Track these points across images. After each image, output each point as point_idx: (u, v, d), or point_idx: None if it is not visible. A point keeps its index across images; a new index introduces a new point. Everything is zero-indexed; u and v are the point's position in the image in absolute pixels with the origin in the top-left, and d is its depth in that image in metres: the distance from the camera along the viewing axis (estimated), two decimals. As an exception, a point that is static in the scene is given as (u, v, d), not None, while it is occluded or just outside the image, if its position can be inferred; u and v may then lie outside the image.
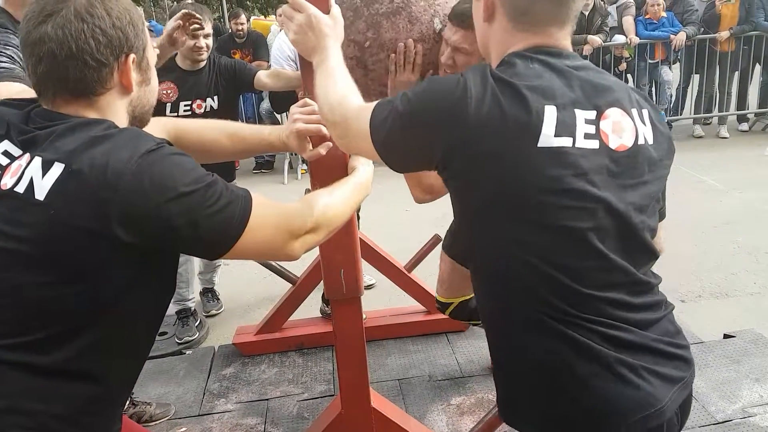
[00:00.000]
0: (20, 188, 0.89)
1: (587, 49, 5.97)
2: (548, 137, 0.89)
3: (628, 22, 6.27)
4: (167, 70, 2.78)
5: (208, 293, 3.35)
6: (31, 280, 0.88)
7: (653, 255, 1.02)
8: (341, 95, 1.11)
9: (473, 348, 2.80)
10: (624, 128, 0.95)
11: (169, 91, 2.72)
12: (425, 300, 2.89)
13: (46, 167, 0.88)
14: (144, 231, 0.88)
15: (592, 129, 0.92)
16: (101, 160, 0.86)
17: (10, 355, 0.90)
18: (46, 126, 0.93)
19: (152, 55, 1.05)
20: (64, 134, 0.91)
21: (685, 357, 1.01)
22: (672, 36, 6.19)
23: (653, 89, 6.58)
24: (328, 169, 1.33)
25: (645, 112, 1.00)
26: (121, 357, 1.00)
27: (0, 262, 0.89)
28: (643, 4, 6.34)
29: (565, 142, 0.90)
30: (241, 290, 3.60)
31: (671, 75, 6.52)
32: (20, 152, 0.93)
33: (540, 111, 0.89)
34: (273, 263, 2.89)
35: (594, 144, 0.92)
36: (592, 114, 0.93)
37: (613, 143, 0.94)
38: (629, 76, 6.46)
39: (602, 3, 6.26)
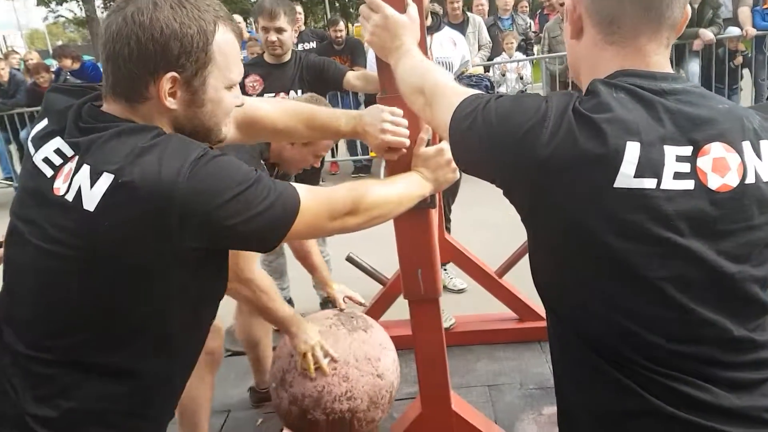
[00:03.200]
0: (69, 197, 0.90)
1: (698, 44, 5.51)
2: (627, 177, 0.80)
3: (744, 13, 5.74)
4: (255, 64, 2.94)
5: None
6: (91, 286, 0.92)
7: (764, 308, 0.88)
8: (433, 69, 1.11)
9: (568, 357, 2.68)
10: (728, 166, 0.83)
11: (255, 84, 2.87)
12: (516, 306, 2.80)
13: (94, 177, 0.88)
14: (200, 235, 0.90)
15: (685, 167, 0.82)
16: (152, 170, 0.87)
17: (76, 355, 0.95)
18: (95, 128, 0.93)
19: (222, 77, 0.98)
20: (111, 141, 0.91)
21: None
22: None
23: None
24: (405, 166, 1.34)
25: (766, 144, 0.87)
26: (178, 353, 1.05)
27: (57, 267, 0.93)
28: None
29: (648, 183, 0.80)
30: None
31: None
32: (72, 153, 0.94)
33: (620, 148, 0.80)
34: (365, 265, 2.94)
35: (687, 184, 0.81)
36: (686, 150, 0.82)
37: (713, 183, 0.82)
38: (746, 71, 5.89)
39: None
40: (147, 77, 0.93)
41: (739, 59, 5.89)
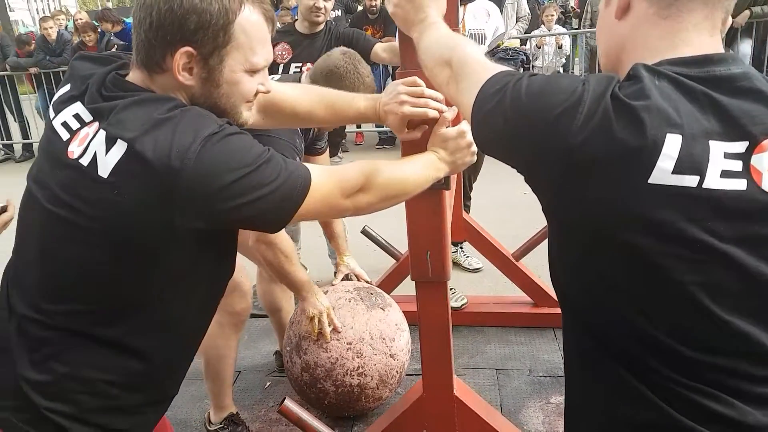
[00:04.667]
0: (84, 161, 0.91)
1: (740, 20, 5.19)
2: (664, 173, 0.72)
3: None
4: (285, 33, 2.91)
5: None
6: (93, 255, 0.92)
7: None
8: (462, 42, 1.04)
9: (581, 347, 2.63)
10: None
11: (283, 53, 2.83)
12: (531, 291, 2.75)
13: (109, 143, 0.89)
14: (208, 214, 0.89)
15: (736, 165, 0.74)
16: (164, 144, 0.86)
17: (73, 323, 0.95)
18: (116, 96, 0.94)
19: (243, 59, 0.96)
20: (128, 108, 0.91)
21: None
22: None
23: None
24: (420, 147, 1.28)
25: None
26: (180, 330, 1.04)
27: (63, 232, 0.93)
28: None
29: (688, 181, 0.73)
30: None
31: None
32: (90, 118, 0.95)
33: (659, 140, 0.72)
34: (380, 239, 2.91)
35: (737, 184, 0.73)
36: (738, 146, 0.74)
37: None
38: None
39: None
40: (164, 48, 0.93)
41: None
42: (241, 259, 2.09)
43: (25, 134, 7.88)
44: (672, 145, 0.72)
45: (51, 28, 7.23)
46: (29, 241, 0.99)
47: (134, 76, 0.98)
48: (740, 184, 0.74)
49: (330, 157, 3.12)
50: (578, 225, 0.80)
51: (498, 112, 0.84)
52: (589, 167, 0.75)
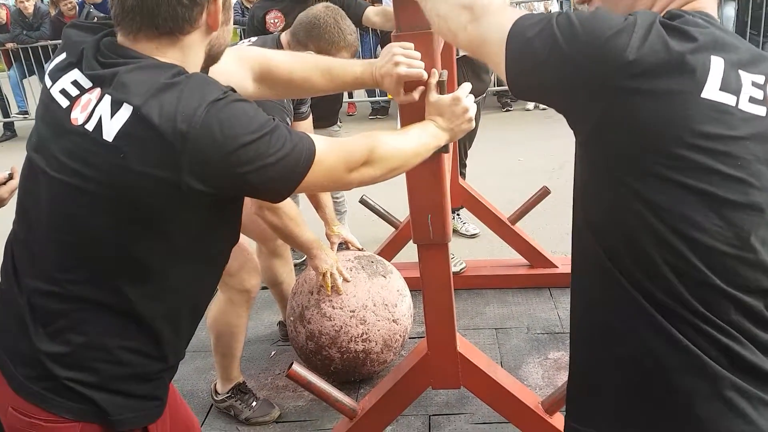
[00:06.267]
0: (90, 126, 0.90)
1: None
2: (713, 89, 0.77)
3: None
4: (275, 0, 2.85)
5: None
6: (102, 220, 0.92)
7: None
8: None
9: (577, 304, 2.71)
10: None
11: (276, 20, 2.82)
12: (528, 253, 2.81)
13: (114, 107, 0.89)
14: (213, 179, 0.90)
15: (759, 93, 0.80)
16: (170, 108, 0.87)
17: (86, 291, 0.96)
18: (116, 63, 0.93)
19: None
20: (133, 73, 0.91)
21: None
22: None
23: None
24: (420, 113, 1.31)
25: None
26: (190, 294, 1.06)
27: (71, 199, 0.93)
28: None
29: (729, 99, 0.78)
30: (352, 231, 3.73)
31: None
32: (90, 85, 0.94)
33: (707, 60, 0.78)
34: (378, 208, 2.96)
35: (760, 110, 0.80)
36: (760, 78, 0.81)
37: None
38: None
39: None
40: (204, 2, 0.95)
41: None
42: (247, 238, 2.13)
43: (5, 113, 7.60)
44: (717, 65, 0.78)
45: (27, 1, 6.94)
46: (35, 211, 0.98)
47: (136, 46, 0.96)
48: (761, 110, 0.80)
49: (329, 127, 3.12)
50: (624, 145, 0.80)
51: (543, 38, 0.83)
52: (646, 79, 0.77)
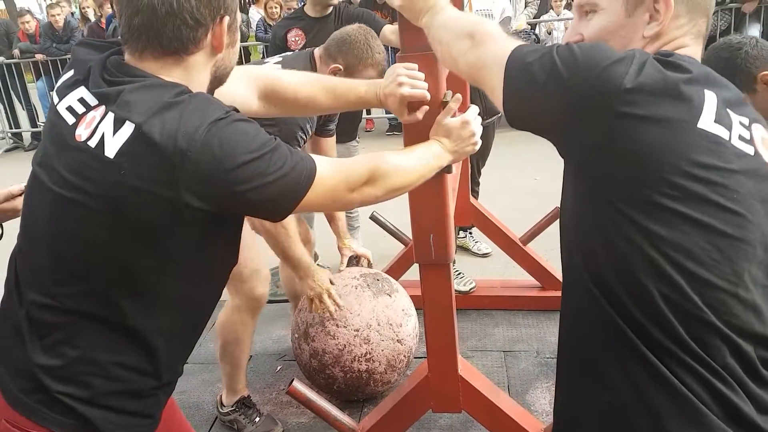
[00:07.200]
0: (92, 142, 0.91)
1: (747, 7, 5.16)
2: (708, 120, 0.78)
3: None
4: (296, 18, 2.91)
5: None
6: (101, 235, 0.93)
7: None
8: (484, 20, 1.05)
9: (588, 329, 2.65)
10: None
11: (297, 39, 2.85)
12: (539, 275, 2.77)
13: (117, 125, 0.90)
14: (212, 197, 0.90)
15: (746, 134, 0.82)
16: (171, 126, 0.87)
17: (83, 306, 0.96)
18: (121, 81, 0.94)
19: (239, 18, 1.05)
20: (137, 91, 0.92)
21: None
22: None
23: None
24: (423, 134, 1.31)
25: None
26: (189, 311, 1.05)
27: (70, 214, 0.94)
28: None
29: (723, 133, 0.79)
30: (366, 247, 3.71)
31: None
32: (96, 102, 0.95)
33: (701, 92, 0.80)
34: (388, 224, 2.94)
35: (749, 149, 0.81)
36: (745, 120, 0.83)
37: (766, 156, 0.83)
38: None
39: None
40: (209, 24, 0.96)
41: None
42: (260, 246, 2.14)
43: (33, 123, 7.75)
44: (711, 99, 0.80)
45: (58, 14, 7.12)
46: (36, 224, 1.00)
47: (142, 65, 0.97)
48: (749, 149, 0.81)
49: (348, 142, 3.15)
50: (621, 172, 0.79)
51: (543, 63, 0.83)
52: (644, 104, 0.77)
